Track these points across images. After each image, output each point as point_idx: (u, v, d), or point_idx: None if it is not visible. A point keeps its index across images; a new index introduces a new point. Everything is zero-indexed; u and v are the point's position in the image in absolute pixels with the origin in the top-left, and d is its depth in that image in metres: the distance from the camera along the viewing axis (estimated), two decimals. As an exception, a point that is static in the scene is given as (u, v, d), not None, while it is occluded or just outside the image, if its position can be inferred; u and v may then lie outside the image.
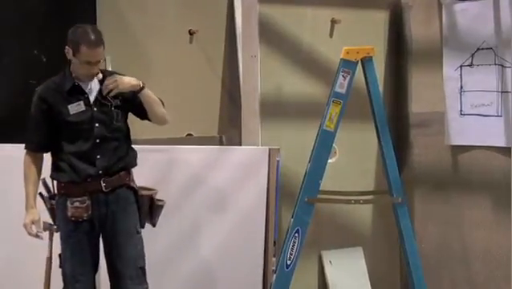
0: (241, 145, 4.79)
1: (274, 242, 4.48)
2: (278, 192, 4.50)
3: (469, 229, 4.64)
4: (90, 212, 3.52)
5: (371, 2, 5.06)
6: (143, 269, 3.64)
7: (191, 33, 5.20)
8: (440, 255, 4.84)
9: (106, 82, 3.50)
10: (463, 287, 4.71)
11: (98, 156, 3.54)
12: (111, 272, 3.63)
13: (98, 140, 3.55)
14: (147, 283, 3.66)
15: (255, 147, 4.62)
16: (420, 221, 4.95)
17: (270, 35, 4.73)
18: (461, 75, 4.63)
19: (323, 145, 4.07)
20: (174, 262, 4.38)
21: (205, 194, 4.42)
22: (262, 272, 4.48)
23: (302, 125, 4.68)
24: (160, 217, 3.78)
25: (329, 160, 4.14)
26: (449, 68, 4.69)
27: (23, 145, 3.77)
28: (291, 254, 4.05)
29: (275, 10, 4.75)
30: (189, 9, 5.20)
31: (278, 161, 4.50)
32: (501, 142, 4.39)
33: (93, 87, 3.59)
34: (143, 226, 3.70)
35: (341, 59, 4.06)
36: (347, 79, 4.05)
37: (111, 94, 3.52)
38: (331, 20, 4.89)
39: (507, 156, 4.36)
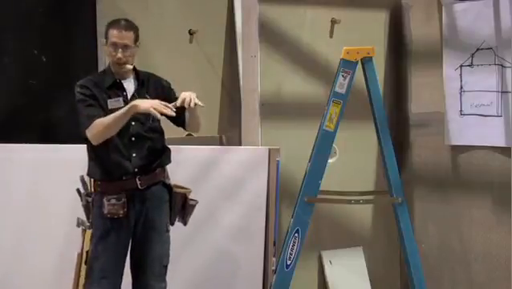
0: (241, 145, 4.79)
1: (274, 242, 4.48)
2: (278, 192, 4.50)
3: (469, 229, 4.64)
4: (126, 209, 3.53)
5: (371, 2, 5.06)
6: (166, 267, 3.68)
7: (191, 33, 5.20)
8: (440, 255, 4.84)
9: (185, 99, 3.46)
10: (463, 287, 4.71)
11: (134, 154, 3.57)
12: (135, 267, 3.64)
13: (133, 138, 3.57)
14: (166, 282, 3.69)
15: (255, 147, 4.62)
16: (420, 221, 4.95)
17: (270, 35, 4.74)
18: (461, 75, 4.63)
19: (323, 145, 4.07)
20: (174, 261, 4.37)
21: (204, 194, 4.42)
22: (262, 272, 4.48)
23: (302, 125, 4.68)
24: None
25: (329, 160, 4.14)
26: (449, 68, 4.69)
27: (24, 145, 3.77)
28: (291, 254, 4.05)
29: (275, 10, 4.75)
30: (189, 9, 5.20)
31: (278, 161, 4.50)
32: (501, 142, 4.39)
33: (131, 85, 3.64)
34: (173, 224, 3.73)
35: (341, 59, 4.06)
36: (347, 79, 4.05)
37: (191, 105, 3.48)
38: (331, 20, 4.89)
39: (507, 156, 4.36)
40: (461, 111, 4.63)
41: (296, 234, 4.05)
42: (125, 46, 3.54)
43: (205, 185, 4.42)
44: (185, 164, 4.41)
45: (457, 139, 4.67)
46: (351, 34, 4.88)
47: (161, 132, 3.71)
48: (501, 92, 4.38)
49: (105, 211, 3.53)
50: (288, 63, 4.79)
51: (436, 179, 4.87)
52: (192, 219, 4.40)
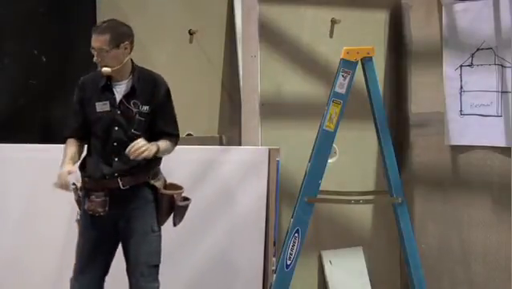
0: (241, 145, 4.79)
1: (274, 242, 4.48)
2: (278, 192, 4.50)
3: (469, 229, 4.64)
4: (106, 208, 3.52)
5: (371, 2, 5.06)
6: (156, 267, 3.65)
7: (191, 33, 5.20)
8: (440, 255, 4.84)
9: (132, 148, 3.45)
10: (463, 287, 4.71)
11: (116, 159, 3.55)
12: (127, 268, 3.65)
13: (115, 144, 3.55)
14: (158, 282, 3.67)
15: (255, 147, 4.62)
16: (420, 221, 4.95)
17: (270, 35, 4.73)
18: (461, 75, 4.63)
19: (323, 145, 4.07)
20: (174, 261, 4.38)
21: (204, 194, 4.42)
22: (262, 272, 4.48)
23: (302, 125, 4.68)
24: (183, 217, 3.78)
25: (329, 160, 4.14)
26: (449, 68, 4.69)
27: (24, 145, 3.78)
28: (291, 254, 4.05)
29: (275, 10, 4.75)
30: (189, 9, 5.21)
31: (278, 161, 4.50)
32: (501, 142, 4.39)
33: (123, 89, 3.59)
34: (161, 225, 3.69)
35: (341, 59, 4.06)
36: (347, 79, 4.05)
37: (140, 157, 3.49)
38: (331, 20, 4.89)
39: (507, 156, 4.36)
40: (461, 111, 4.63)
41: (296, 234, 4.05)
42: (100, 50, 3.51)
43: (204, 185, 4.42)
44: (185, 164, 4.41)
45: (457, 139, 4.67)
46: (351, 34, 4.88)
47: (148, 140, 3.59)
48: (501, 92, 4.38)
49: (85, 207, 3.55)
50: (288, 63, 4.79)
51: (436, 179, 4.87)
52: (192, 219, 4.40)
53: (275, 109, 4.73)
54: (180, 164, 4.42)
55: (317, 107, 4.34)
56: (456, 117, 4.65)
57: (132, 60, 3.64)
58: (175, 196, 3.70)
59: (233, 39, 5.23)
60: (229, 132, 5.25)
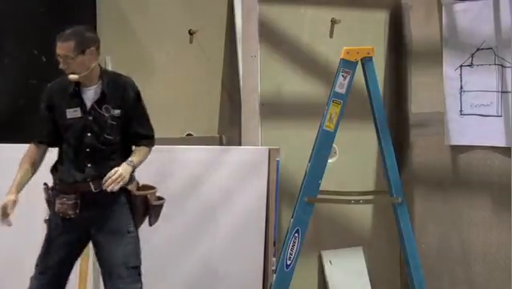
0: (241, 145, 4.79)
1: (274, 242, 4.48)
2: (278, 192, 4.50)
3: (469, 229, 4.64)
4: (77, 211, 3.50)
5: (371, 2, 5.06)
6: (136, 268, 3.59)
7: (191, 33, 5.20)
8: (440, 255, 4.84)
9: (107, 181, 3.46)
10: (463, 287, 4.71)
11: (88, 165, 3.52)
12: (102, 272, 3.61)
13: (88, 150, 3.52)
14: (141, 282, 3.61)
15: (255, 147, 4.62)
16: (420, 221, 4.95)
17: (270, 35, 4.74)
18: (461, 75, 4.63)
19: (323, 145, 4.07)
20: (174, 261, 4.38)
21: (204, 194, 4.42)
22: (262, 272, 4.48)
23: (302, 125, 4.68)
24: (159, 217, 3.73)
25: (329, 160, 4.14)
26: (449, 68, 4.69)
27: (23, 146, 3.76)
28: (291, 254, 4.05)
29: (275, 10, 4.75)
30: (189, 9, 5.20)
31: (278, 161, 4.50)
32: (501, 142, 4.39)
33: (93, 94, 3.55)
34: (137, 227, 3.66)
35: (341, 59, 4.06)
36: (347, 79, 4.05)
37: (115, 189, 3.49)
38: (331, 20, 4.89)
39: (507, 156, 4.36)
40: (461, 111, 4.63)
41: (296, 234, 4.05)
42: (66, 57, 3.46)
43: (205, 185, 4.42)
44: (185, 164, 4.41)
45: (457, 139, 4.67)
46: (351, 34, 4.88)
47: (119, 143, 3.59)
48: (501, 92, 4.38)
49: (55, 209, 3.53)
50: (288, 62, 4.79)
51: (436, 179, 4.87)
52: (192, 219, 4.41)
53: (275, 109, 4.73)
54: (180, 164, 4.42)
55: (317, 107, 4.34)
56: (456, 117, 4.65)
57: (99, 65, 3.59)
58: (148, 196, 3.66)
59: (233, 39, 5.23)
60: (229, 132, 5.25)
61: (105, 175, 3.50)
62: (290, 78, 4.79)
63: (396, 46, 5.12)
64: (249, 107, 4.72)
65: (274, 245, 4.48)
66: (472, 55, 4.54)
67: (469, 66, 4.57)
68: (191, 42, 5.22)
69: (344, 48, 4.08)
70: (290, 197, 4.37)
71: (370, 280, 4.97)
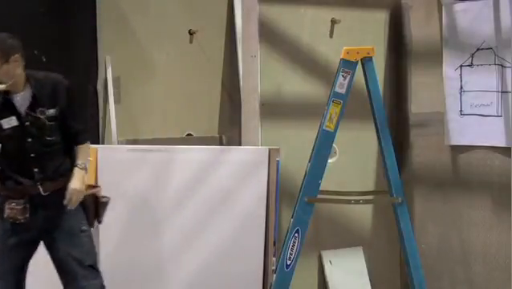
0: (241, 145, 4.79)
1: (274, 242, 4.48)
2: (278, 192, 4.50)
3: (469, 229, 4.64)
4: (27, 215, 3.47)
5: (371, 2, 5.06)
6: (92, 266, 3.60)
7: (191, 33, 5.19)
8: (440, 255, 4.84)
9: (67, 201, 3.49)
10: (463, 287, 4.71)
11: (35, 170, 3.50)
12: (59, 272, 3.60)
13: (33, 155, 3.50)
14: (100, 277, 3.63)
15: (255, 147, 4.62)
16: (420, 221, 4.95)
17: (270, 35, 4.74)
18: (461, 75, 4.63)
19: (323, 145, 4.07)
20: (174, 261, 4.38)
21: (204, 194, 4.42)
22: (262, 272, 4.48)
23: (302, 125, 4.68)
24: (105, 214, 3.75)
25: (329, 160, 4.14)
26: (449, 68, 4.69)
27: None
28: (291, 254, 4.05)
29: (275, 10, 4.75)
30: (189, 9, 5.20)
31: (278, 161, 4.50)
32: (501, 142, 4.39)
33: (23, 100, 3.49)
34: (91, 225, 3.66)
35: (341, 59, 4.06)
36: (347, 79, 4.05)
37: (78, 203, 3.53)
38: (331, 20, 4.89)
39: (507, 156, 4.36)
40: (461, 111, 4.63)
41: (296, 234, 4.05)
42: None
43: (205, 185, 4.42)
44: (185, 164, 4.41)
45: (457, 139, 4.67)
46: (351, 34, 4.88)
47: (61, 142, 3.58)
48: (501, 92, 4.38)
49: (5, 215, 3.49)
50: (288, 62, 4.79)
51: (436, 179, 4.87)
52: (192, 219, 4.41)
53: (275, 109, 4.73)
54: (180, 164, 4.42)
55: (317, 107, 4.34)
56: (456, 117, 4.65)
57: (24, 69, 3.52)
58: (97, 194, 3.68)
59: (233, 39, 5.23)
60: (229, 132, 5.25)
61: (53, 176, 3.51)
62: (290, 78, 4.79)
63: (396, 46, 5.12)
64: (249, 107, 4.72)
65: (274, 245, 4.48)
66: (472, 55, 4.54)
67: (469, 66, 4.57)
68: (191, 42, 5.22)
69: (344, 48, 4.08)
70: (290, 197, 4.37)
71: (370, 280, 4.97)
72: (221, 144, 5.21)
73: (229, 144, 5.17)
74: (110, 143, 4.82)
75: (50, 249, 3.60)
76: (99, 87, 4.93)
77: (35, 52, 4.79)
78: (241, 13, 4.94)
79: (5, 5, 4.66)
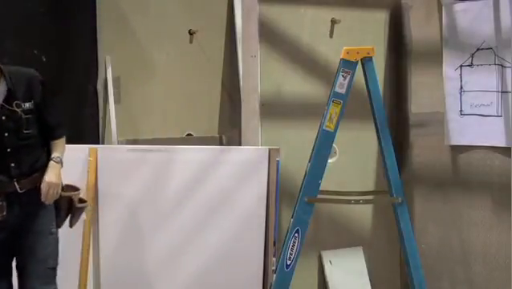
0: (241, 145, 4.79)
1: (274, 242, 4.48)
2: (278, 192, 4.50)
3: (469, 230, 4.64)
4: (4, 213, 3.44)
5: (371, 2, 5.06)
6: (53, 269, 3.58)
7: (191, 33, 5.20)
8: (440, 255, 4.84)
9: (43, 195, 3.46)
10: (463, 287, 4.71)
11: (12, 165, 3.46)
12: (19, 272, 3.57)
13: (9, 150, 3.45)
14: (55, 284, 3.59)
15: (255, 147, 4.62)
16: (420, 221, 4.95)
17: (270, 35, 4.73)
18: (461, 75, 4.63)
19: (323, 145, 4.07)
20: (174, 262, 4.38)
21: (204, 194, 4.42)
22: (262, 272, 4.48)
23: (302, 125, 4.68)
24: (80, 219, 3.73)
25: (329, 160, 4.14)
26: (449, 68, 4.69)
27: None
28: (291, 254, 4.05)
29: (275, 10, 4.75)
30: (189, 9, 5.21)
31: (278, 161, 4.50)
32: (501, 142, 4.39)
33: (0, 94, 3.46)
34: (59, 227, 3.63)
35: (341, 59, 4.06)
36: (347, 79, 4.05)
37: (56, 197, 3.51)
38: (331, 20, 4.89)
39: (507, 156, 4.36)
40: (461, 111, 4.63)
41: (296, 234, 4.05)
42: None
43: (205, 185, 4.42)
44: (185, 164, 4.41)
45: (457, 139, 4.67)
46: (351, 34, 4.88)
47: (37, 135, 3.54)
48: (501, 92, 4.38)
49: None
50: (288, 62, 4.79)
51: (436, 179, 4.87)
52: (192, 219, 4.41)
53: (275, 109, 4.73)
54: (180, 165, 4.42)
55: (317, 107, 4.34)
56: (456, 117, 4.65)
57: None
58: (73, 197, 3.64)
59: (233, 39, 5.23)
60: (229, 132, 5.25)
61: (29, 173, 3.48)
62: (290, 78, 4.79)
63: (396, 46, 5.12)
64: (249, 107, 4.72)
65: (274, 245, 4.48)
66: (472, 55, 4.54)
67: (469, 66, 4.57)
68: (191, 42, 5.22)
69: (344, 48, 4.07)
70: (290, 197, 4.37)
71: (370, 280, 4.97)
72: (221, 144, 5.22)
73: (229, 144, 5.18)
74: (110, 143, 4.83)
75: (17, 246, 3.55)
76: (99, 87, 4.94)
77: (35, 52, 4.79)
78: (241, 13, 4.94)
79: (5, 5, 4.66)
